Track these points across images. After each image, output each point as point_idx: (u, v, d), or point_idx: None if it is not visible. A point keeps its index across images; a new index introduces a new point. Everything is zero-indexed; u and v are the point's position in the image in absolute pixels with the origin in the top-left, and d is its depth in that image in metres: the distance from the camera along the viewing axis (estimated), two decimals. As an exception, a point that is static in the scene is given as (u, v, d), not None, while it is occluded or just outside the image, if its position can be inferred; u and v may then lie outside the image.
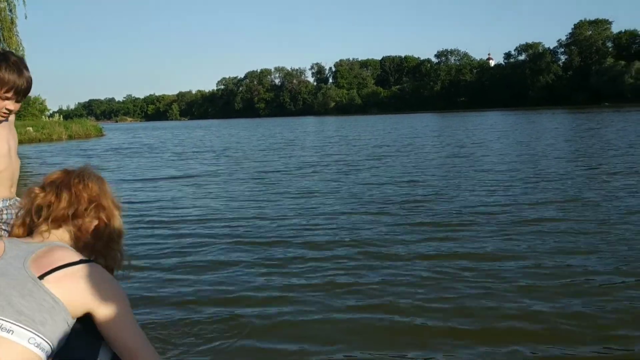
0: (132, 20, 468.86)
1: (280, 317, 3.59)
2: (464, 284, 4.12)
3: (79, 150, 25.70)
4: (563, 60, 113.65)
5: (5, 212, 2.64)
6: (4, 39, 30.26)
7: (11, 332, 1.35)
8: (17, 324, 1.36)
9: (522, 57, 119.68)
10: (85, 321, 1.51)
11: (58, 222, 1.65)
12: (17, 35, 31.03)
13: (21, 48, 31.03)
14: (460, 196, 8.08)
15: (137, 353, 1.51)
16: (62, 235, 1.66)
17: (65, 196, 1.66)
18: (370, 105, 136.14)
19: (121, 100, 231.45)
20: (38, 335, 1.37)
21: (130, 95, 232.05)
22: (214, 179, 11.63)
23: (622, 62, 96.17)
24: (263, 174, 12.21)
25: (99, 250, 1.73)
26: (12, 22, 30.71)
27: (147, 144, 29.03)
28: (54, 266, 1.48)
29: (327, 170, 12.51)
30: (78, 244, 1.68)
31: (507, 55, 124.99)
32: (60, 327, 1.43)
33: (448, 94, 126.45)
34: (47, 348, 1.39)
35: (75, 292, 1.47)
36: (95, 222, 1.70)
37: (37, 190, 1.69)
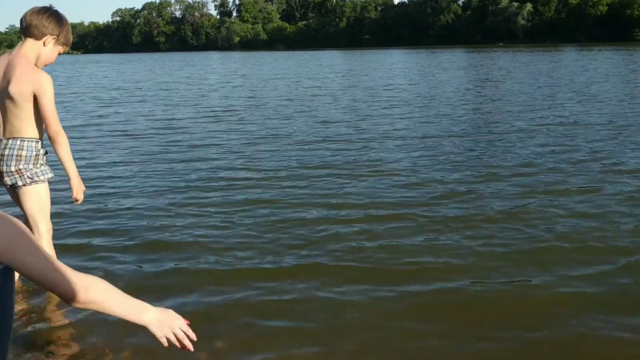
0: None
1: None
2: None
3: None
4: (463, 0, 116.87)
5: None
6: None
7: None
8: None
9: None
10: None
11: None
12: None
13: None
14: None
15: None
16: None
17: None
18: (276, 41, 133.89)
19: (4, 32, 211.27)
20: None
21: (13, 25, 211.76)
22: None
23: (516, 4, 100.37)
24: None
25: None
26: None
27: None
28: None
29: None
30: None
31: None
32: None
33: (352, 32, 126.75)
34: None
35: None
36: None
37: None
